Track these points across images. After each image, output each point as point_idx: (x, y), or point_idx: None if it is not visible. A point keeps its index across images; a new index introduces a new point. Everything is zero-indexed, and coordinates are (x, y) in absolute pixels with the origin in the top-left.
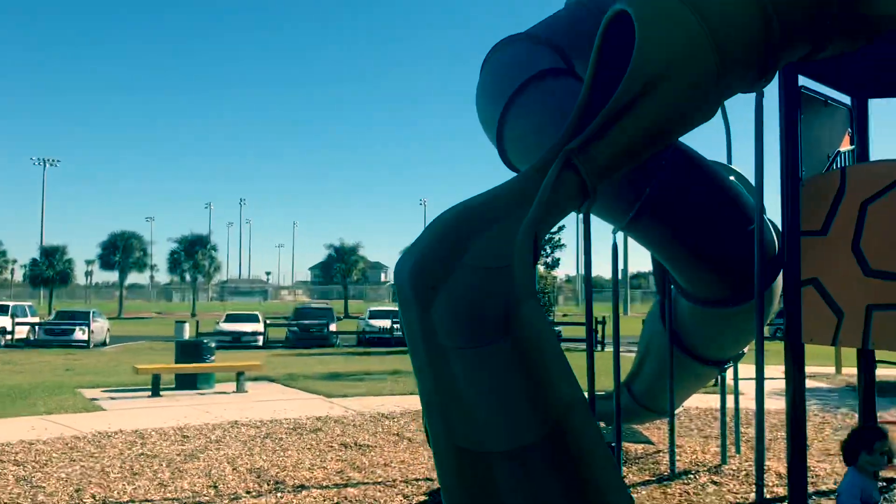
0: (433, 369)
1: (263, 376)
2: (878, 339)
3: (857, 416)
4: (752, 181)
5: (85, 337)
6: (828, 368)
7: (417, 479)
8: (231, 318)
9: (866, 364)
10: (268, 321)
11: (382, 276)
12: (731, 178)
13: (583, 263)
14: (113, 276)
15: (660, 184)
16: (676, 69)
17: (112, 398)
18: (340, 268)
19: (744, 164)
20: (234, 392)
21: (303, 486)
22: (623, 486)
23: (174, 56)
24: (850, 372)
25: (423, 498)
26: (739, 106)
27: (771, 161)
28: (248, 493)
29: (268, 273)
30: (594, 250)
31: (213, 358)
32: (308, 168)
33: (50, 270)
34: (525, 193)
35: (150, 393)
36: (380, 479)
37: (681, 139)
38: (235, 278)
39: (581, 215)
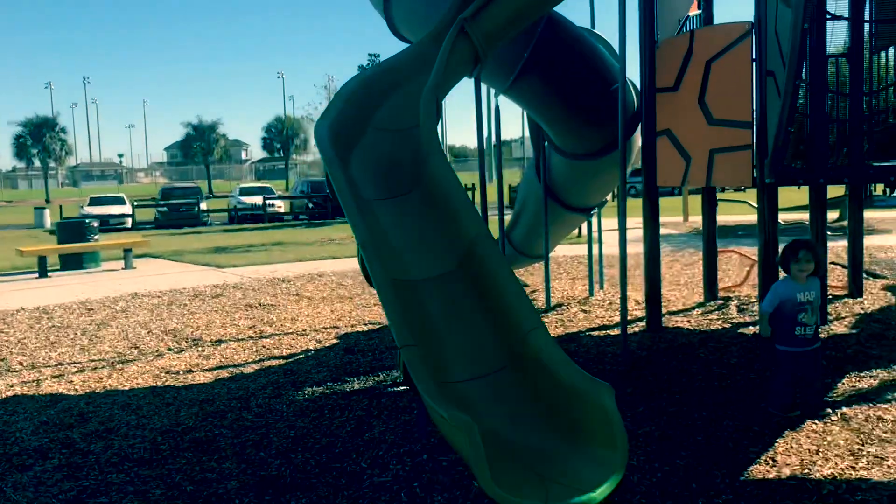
0: (362, 217)
1: (148, 253)
2: (718, 177)
3: (701, 252)
4: (616, 45)
5: None
6: (677, 218)
7: (326, 328)
8: (96, 202)
9: (710, 203)
10: (135, 203)
11: (244, 153)
12: (598, 43)
13: (466, 132)
14: None
15: (536, 48)
16: None
17: None
18: (200, 146)
19: (608, 31)
20: (122, 269)
21: (220, 341)
22: (524, 294)
23: None
24: (696, 220)
25: (334, 342)
26: None
27: (631, 27)
28: (169, 350)
29: (120, 155)
30: (473, 121)
31: (96, 237)
32: (156, 42)
33: None
34: (424, 60)
35: (37, 275)
36: (291, 331)
37: (553, 9)
38: (87, 162)
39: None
